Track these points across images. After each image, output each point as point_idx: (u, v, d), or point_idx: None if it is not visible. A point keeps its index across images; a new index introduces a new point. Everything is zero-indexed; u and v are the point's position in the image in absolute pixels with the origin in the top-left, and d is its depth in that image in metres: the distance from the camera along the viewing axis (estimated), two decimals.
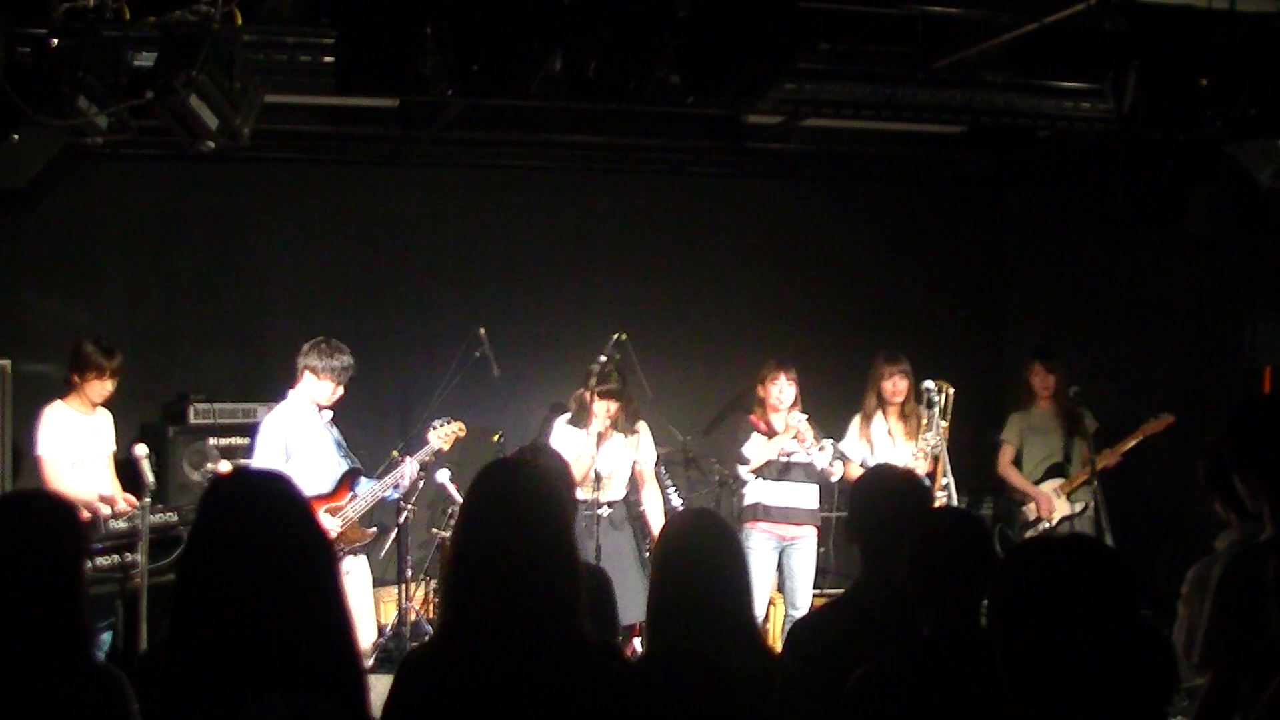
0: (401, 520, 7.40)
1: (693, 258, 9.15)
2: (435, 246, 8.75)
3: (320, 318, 7.90)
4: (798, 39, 5.05)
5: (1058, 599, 2.20)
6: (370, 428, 7.97)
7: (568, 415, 7.00)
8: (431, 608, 7.54)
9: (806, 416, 7.09)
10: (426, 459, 6.83)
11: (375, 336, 8.06)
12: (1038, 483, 7.76)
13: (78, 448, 6.58)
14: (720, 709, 2.91)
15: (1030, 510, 7.77)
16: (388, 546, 7.62)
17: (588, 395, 6.85)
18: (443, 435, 6.82)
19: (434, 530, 7.70)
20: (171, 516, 6.62)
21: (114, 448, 6.82)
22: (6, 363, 7.21)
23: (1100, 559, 2.30)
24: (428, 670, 2.69)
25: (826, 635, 3.39)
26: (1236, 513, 3.60)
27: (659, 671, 2.98)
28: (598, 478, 6.73)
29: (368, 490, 6.53)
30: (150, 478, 6.21)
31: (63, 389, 6.65)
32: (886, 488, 3.60)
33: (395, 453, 7.18)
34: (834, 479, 7.18)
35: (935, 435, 7.15)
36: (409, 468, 6.69)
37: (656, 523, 6.96)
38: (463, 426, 6.89)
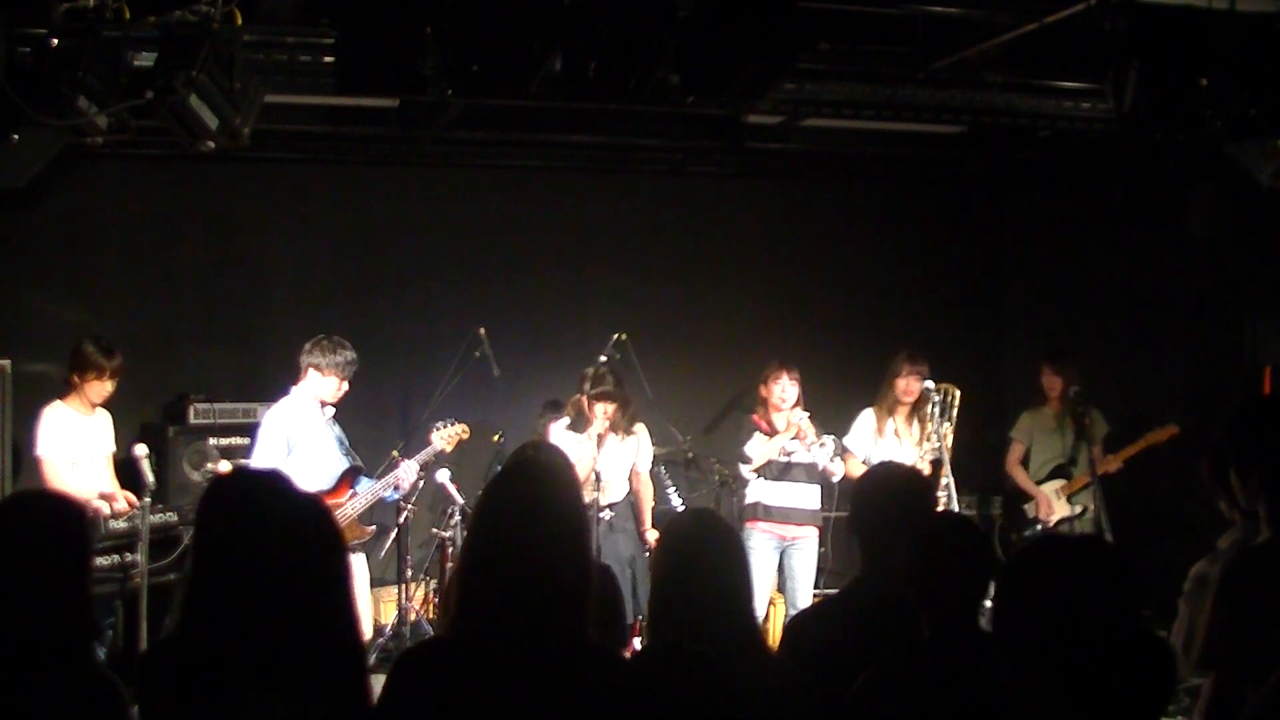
0: (401, 520, 7.40)
1: (693, 258, 9.15)
2: (435, 246, 8.75)
3: (320, 317, 7.89)
4: (798, 39, 5.05)
5: (1063, 599, 2.20)
6: (371, 427, 7.96)
7: (565, 421, 7.01)
8: (431, 608, 7.54)
9: (808, 414, 7.09)
10: (428, 460, 6.83)
11: (375, 336, 8.05)
12: (1040, 483, 7.78)
13: (77, 448, 6.58)
14: (720, 709, 2.91)
15: (1030, 509, 7.79)
16: (388, 546, 7.62)
17: (584, 400, 6.85)
18: (445, 437, 6.81)
19: (434, 530, 7.70)
20: (171, 516, 6.63)
21: (113, 448, 6.82)
22: (6, 363, 7.21)
23: (1106, 560, 2.30)
24: (425, 668, 2.69)
25: (826, 633, 3.39)
26: (1240, 512, 3.60)
27: (658, 671, 2.97)
28: (598, 479, 6.73)
29: (367, 489, 6.53)
30: (150, 478, 6.22)
31: (62, 389, 6.65)
32: (890, 486, 3.60)
33: (395, 452, 7.18)
34: (835, 478, 7.18)
35: (937, 438, 7.15)
36: (408, 470, 6.68)
37: (645, 514, 6.98)
38: (466, 429, 6.89)
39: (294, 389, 6.51)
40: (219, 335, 8.34)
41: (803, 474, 7.14)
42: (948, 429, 7.24)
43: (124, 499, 6.51)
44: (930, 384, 7.20)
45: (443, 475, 7.30)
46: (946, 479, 7.08)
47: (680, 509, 7.30)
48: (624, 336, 7.54)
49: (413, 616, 7.44)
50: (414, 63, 4.85)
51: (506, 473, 2.83)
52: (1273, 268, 7.61)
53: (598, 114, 7.14)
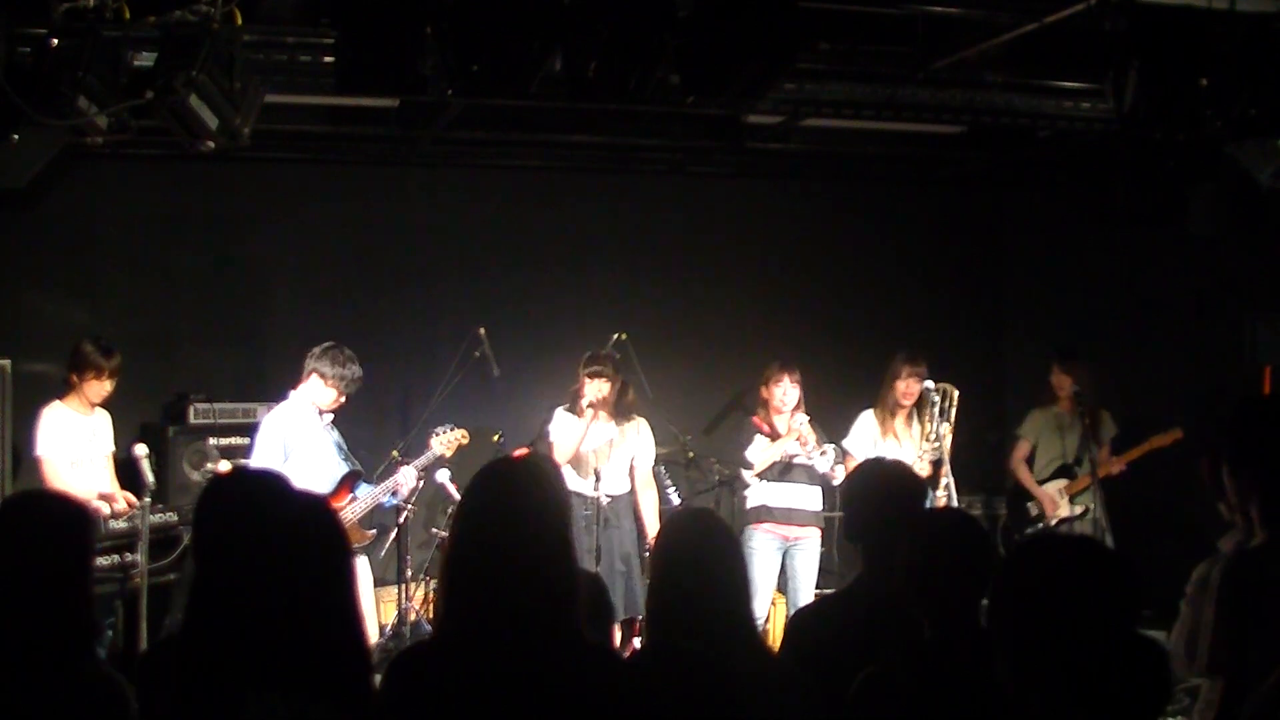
0: (401, 520, 7.40)
1: (693, 258, 9.15)
2: (435, 246, 8.75)
3: (320, 318, 7.91)
4: (798, 39, 5.05)
5: (1057, 599, 2.20)
6: (370, 428, 7.96)
7: (566, 405, 7.01)
8: (431, 608, 7.53)
9: (809, 419, 7.09)
10: (428, 464, 6.83)
11: (375, 336, 8.05)
12: (1044, 482, 7.79)
13: (76, 448, 6.58)
14: (719, 708, 2.91)
15: (1033, 508, 7.80)
16: (388, 546, 7.62)
17: (581, 380, 6.84)
18: (445, 442, 6.81)
19: (434, 530, 7.70)
20: (171, 516, 6.63)
21: (113, 447, 6.82)
22: (6, 363, 7.21)
23: (1102, 561, 2.30)
24: (418, 670, 2.69)
25: (827, 630, 3.40)
26: (1241, 513, 3.59)
27: (657, 671, 2.98)
28: (597, 477, 6.72)
29: (366, 494, 6.53)
30: (150, 478, 6.22)
31: (61, 389, 6.65)
32: (882, 483, 3.60)
33: (395, 453, 7.18)
34: (836, 482, 7.17)
35: (937, 438, 7.15)
36: (407, 476, 6.68)
37: (651, 523, 6.94)
38: (465, 434, 6.88)
39: (292, 393, 6.51)
40: (219, 335, 8.34)
41: (804, 475, 7.14)
42: (946, 429, 7.23)
43: (124, 499, 6.51)
44: (930, 384, 7.20)
45: (443, 476, 7.30)
46: (946, 479, 7.08)
47: (678, 508, 7.30)
48: (624, 336, 7.53)
49: (413, 616, 7.44)
50: (414, 63, 4.85)
51: (483, 474, 2.82)
52: (1273, 268, 7.61)
53: (598, 114, 7.14)
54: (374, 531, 6.81)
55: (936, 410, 7.16)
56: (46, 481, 6.40)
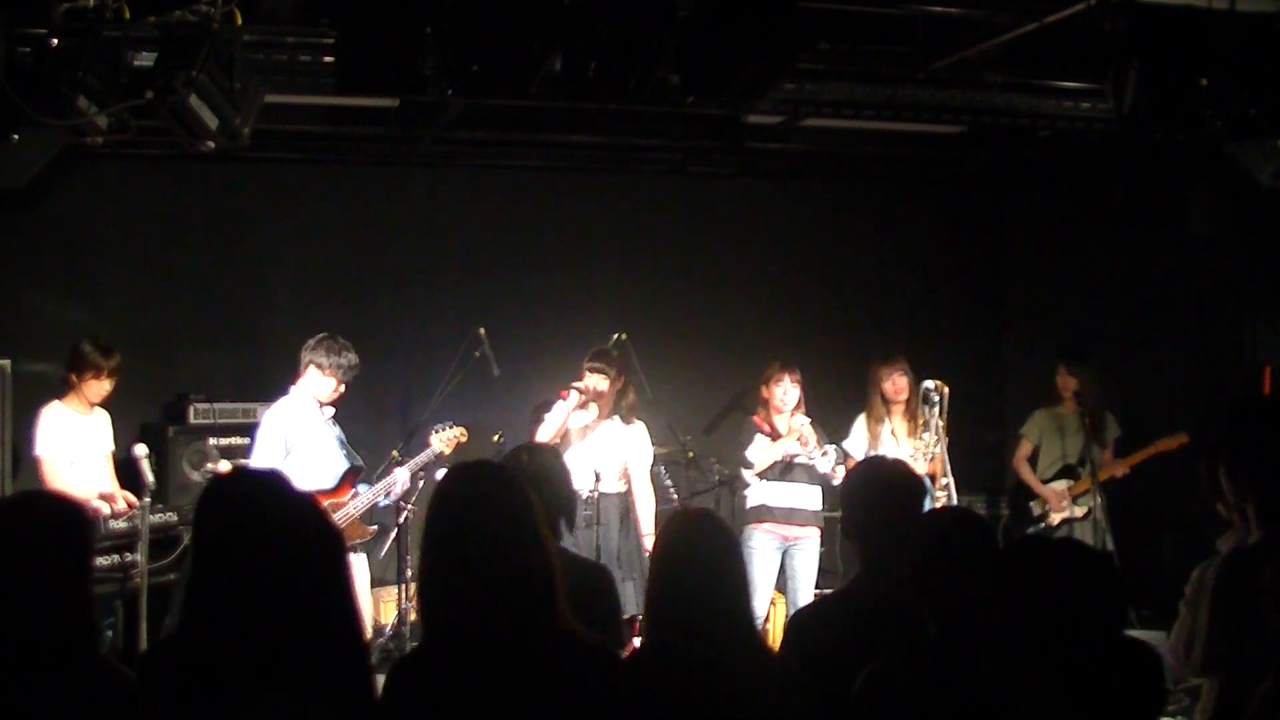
0: (401, 520, 7.39)
1: (693, 258, 9.15)
2: (435, 246, 8.75)
3: (320, 317, 7.88)
4: (798, 39, 5.05)
5: (1044, 601, 2.20)
6: (370, 427, 7.96)
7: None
8: None
9: (810, 420, 7.09)
10: (427, 462, 6.83)
11: (375, 336, 8.05)
12: (1047, 482, 7.78)
13: (76, 447, 6.58)
14: (719, 708, 2.91)
15: (1035, 507, 7.80)
16: (388, 546, 7.62)
17: (582, 372, 6.84)
18: (444, 440, 6.82)
19: None
20: (171, 516, 6.62)
21: (112, 447, 6.82)
22: (6, 363, 7.21)
23: (1088, 563, 2.30)
24: (417, 675, 2.70)
25: (827, 630, 3.39)
26: (1239, 513, 3.60)
27: (656, 671, 2.98)
28: (597, 477, 6.71)
29: (367, 491, 6.55)
30: (150, 478, 6.22)
31: (61, 389, 6.65)
32: (880, 482, 3.60)
33: (395, 452, 7.18)
34: (836, 482, 7.17)
35: (934, 435, 7.15)
36: (401, 477, 6.68)
37: (646, 522, 6.91)
38: (464, 432, 6.89)
39: (292, 388, 6.51)
40: (219, 335, 8.34)
41: (804, 475, 7.14)
42: (941, 425, 7.23)
43: (124, 499, 6.51)
44: (929, 383, 7.20)
45: (443, 475, 7.29)
46: (946, 478, 7.08)
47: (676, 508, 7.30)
48: (624, 336, 7.53)
49: (413, 616, 7.43)
50: (414, 63, 4.86)
51: (447, 477, 2.85)
52: (1273, 268, 7.61)
53: (598, 114, 7.14)
54: (375, 527, 6.82)
55: (936, 409, 7.16)
56: (46, 481, 6.40)
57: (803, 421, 7.05)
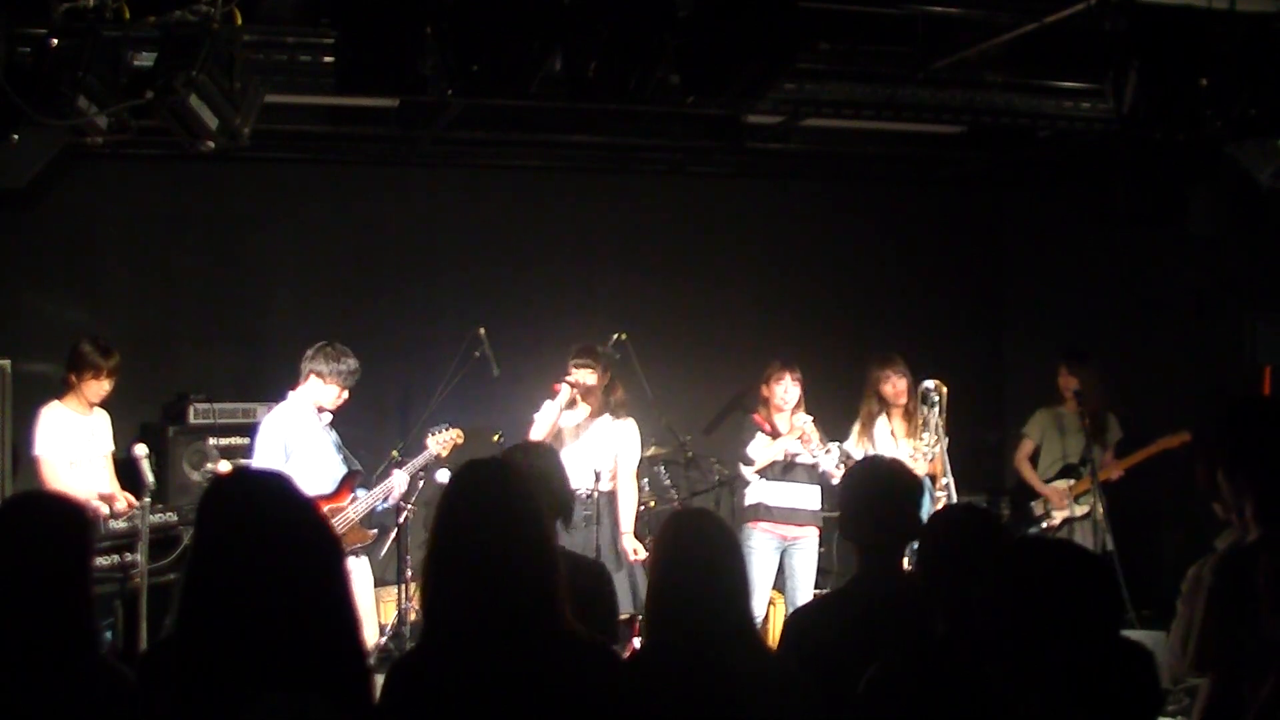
0: (401, 520, 7.40)
1: (693, 258, 9.15)
2: (435, 246, 8.75)
3: (320, 317, 7.90)
4: (798, 39, 5.05)
5: (1040, 602, 2.20)
6: (370, 428, 7.96)
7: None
8: None
9: (812, 418, 7.08)
10: (424, 464, 6.83)
11: (375, 337, 8.05)
12: (1049, 482, 7.78)
13: (75, 447, 6.58)
14: (718, 708, 2.91)
15: (1036, 507, 7.80)
16: (388, 546, 7.62)
17: (568, 368, 6.84)
18: (441, 442, 6.82)
19: None
20: (171, 516, 6.62)
21: (112, 447, 6.82)
22: (6, 363, 7.21)
23: (1084, 565, 2.30)
24: (416, 675, 2.70)
25: (825, 630, 3.39)
26: (1236, 512, 3.60)
27: (656, 670, 2.98)
28: (597, 476, 6.71)
29: (365, 495, 6.55)
30: (150, 478, 6.22)
31: (60, 389, 6.65)
32: (877, 482, 3.60)
33: (395, 453, 7.18)
34: (835, 481, 7.17)
35: (933, 435, 7.15)
36: (399, 481, 6.68)
37: (627, 519, 6.89)
38: (460, 434, 6.89)
39: (291, 394, 6.51)
40: (219, 335, 8.34)
41: (804, 474, 7.14)
42: (940, 425, 7.23)
43: (124, 499, 6.51)
44: (929, 383, 7.20)
45: (443, 476, 7.28)
46: (946, 478, 7.08)
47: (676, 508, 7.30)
48: (624, 336, 7.53)
49: (413, 616, 7.44)
50: (414, 63, 4.85)
51: (457, 475, 2.85)
52: (1273, 268, 7.61)
53: (598, 114, 7.14)
54: (375, 531, 6.81)
55: (935, 409, 7.16)
56: (45, 481, 6.40)
57: (805, 419, 7.05)
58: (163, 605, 6.33)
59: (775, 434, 7.13)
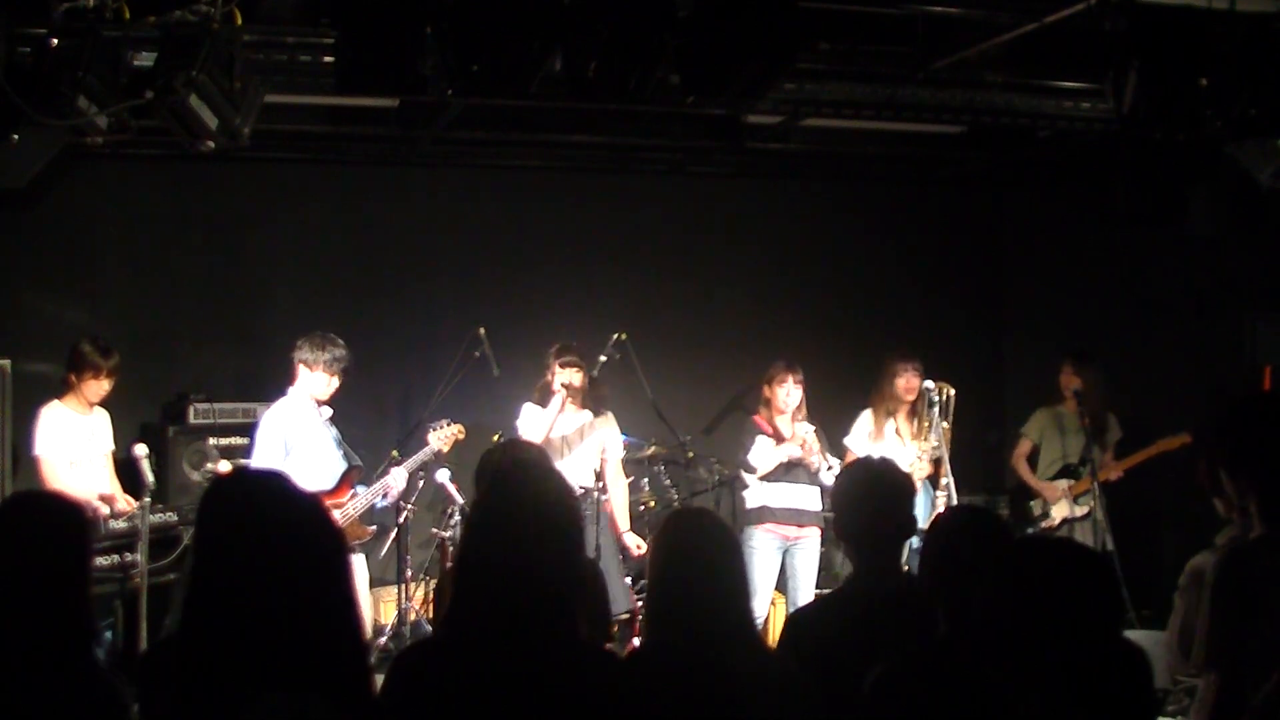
0: (401, 520, 7.40)
1: (693, 258, 9.15)
2: (435, 246, 8.75)
3: (320, 317, 7.87)
4: (798, 39, 5.05)
5: (1041, 602, 2.20)
6: (370, 427, 7.97)
7: (535, 399, 7.02)
8: (431, 608, 7.53)
9: (815, 428, 7.08)
10: (426, 460, 6.83)
11: (375, 336, 8.05)
12: (1049, 481, 7.78)
13: (75, 447, 6.58)
14: (718, 708, 2.91)
15: (1035, 507, 7.80)
16: (388, 546, 7.63)
17: (550, 368, 6.83)
18: (442, 437, 6.82)
19: (434, 530, 7.70)
20: (171, 516, 6.63)
21: (112, 447, 6.82)
22: (6, 363, 7.21)
23: (1085, 564, 2.30)
24: (419, 669, 2.70)
25: (826, 631, 3.39)
26: (1238, 510, 3.60)
27: (656, 671, 2.98)
28: (598, 476, 6.71)
29: (365, 491, 6.55)
30: (150, 478, 6.22)
31: (60, 389, 6.65)
32: (869, 483, 3.60)
33: (395, 452, 7.18)
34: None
35: (936, 437, 7.15)
36: (398, 478, 6.68)
37: (620, 514, 6.89)
38: (462, 429, 6.89)
39: (290, 390, 6.51)
40: (219, 335, 8.34)
41: (805, 474, 7.13)
42: (945, 427, 7.23)
43: (124, 499, 6.51)
44: (930, 383, 7.20)
45: (443, 475, 7.30)
46: (947, 478, 7.08)
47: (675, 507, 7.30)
48: (624, 336, 7.53)
49: (413, 616, 7.45)
50: (414, 63, 4.85)
51: (500, 478, 2.86)
52: (1273, 268, 7.61)
53: (598, 114, 7.14)
54: (374, 528, 6.81)
55: (937, 410, 7.16)
56: (45, 481, 6.40)
57: (808, 429, 7.04)
58: (163, 605, 6.34)
59: (777, 436, 7.13)
